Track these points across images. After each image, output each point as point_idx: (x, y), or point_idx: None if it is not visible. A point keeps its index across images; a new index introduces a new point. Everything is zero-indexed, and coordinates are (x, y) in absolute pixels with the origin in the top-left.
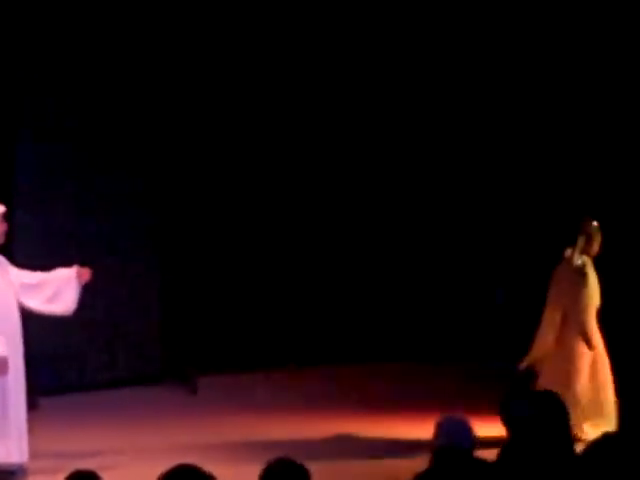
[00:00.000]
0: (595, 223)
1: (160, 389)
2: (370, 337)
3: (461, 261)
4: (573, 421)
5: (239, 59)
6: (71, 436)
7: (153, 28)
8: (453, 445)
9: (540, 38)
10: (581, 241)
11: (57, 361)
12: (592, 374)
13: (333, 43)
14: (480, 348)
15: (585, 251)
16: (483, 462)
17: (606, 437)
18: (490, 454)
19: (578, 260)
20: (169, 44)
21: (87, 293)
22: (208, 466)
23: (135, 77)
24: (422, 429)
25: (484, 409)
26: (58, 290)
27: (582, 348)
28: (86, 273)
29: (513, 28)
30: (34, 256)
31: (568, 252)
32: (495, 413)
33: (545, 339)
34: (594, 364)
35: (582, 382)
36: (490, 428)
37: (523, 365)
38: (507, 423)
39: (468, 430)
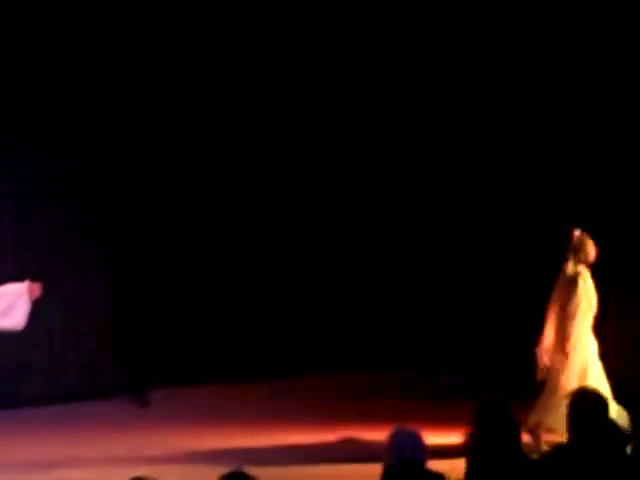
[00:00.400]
0: (578, 232)
1: (111, 402)
2: (318, 349)
3: (410, 271)
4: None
5: (189, 65)
6: (19, 450)
7: (97, 34)
8: (405, 459)
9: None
10: (570, 255)
11: (5, 374)
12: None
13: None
14: (431, 359)
15: (579, 261)
16: (435, 475)
17: (559, 448)
18: (441, 464)
19: (571, 271)
20: (119, 46)
21: (35, 303)
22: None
23: (82, 79)
24: (371, 436)
25: (430, 419)
26: (9, 305)
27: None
28: (37, 288)
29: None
30: None
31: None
32: (445, 423)
33: (547, 349)
34: (584, 370)
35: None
36: (440, 437)
37: (540, 376)
38: (478, 437)
39: (420, 443)
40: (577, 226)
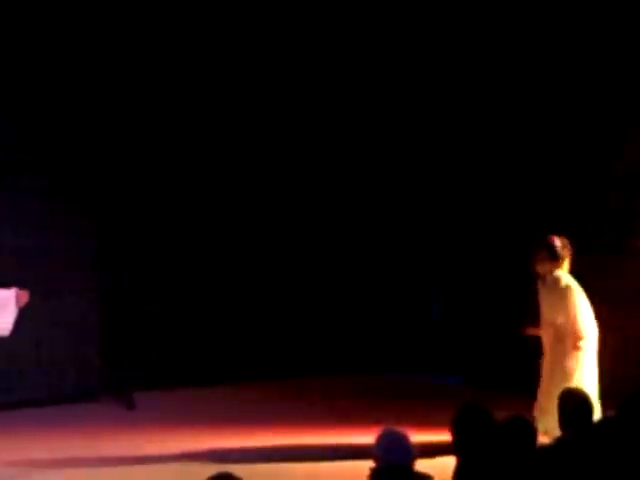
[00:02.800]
0: (562, 239)
1: (97, 404)
2: (305, 352)
3: (397, 276)
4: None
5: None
6: (4, 452)
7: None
8: (392, 462)
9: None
10: (560, 262)
11: None
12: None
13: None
14: (416, 362)
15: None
16: (423, 476)
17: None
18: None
19: (563, 280)
20: (107, 45)
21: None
22: None
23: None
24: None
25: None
26: None
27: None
28: (25, 295)
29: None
30: None
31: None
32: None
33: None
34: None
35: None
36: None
37: None
38: (459, 444)
39: (407, 445)
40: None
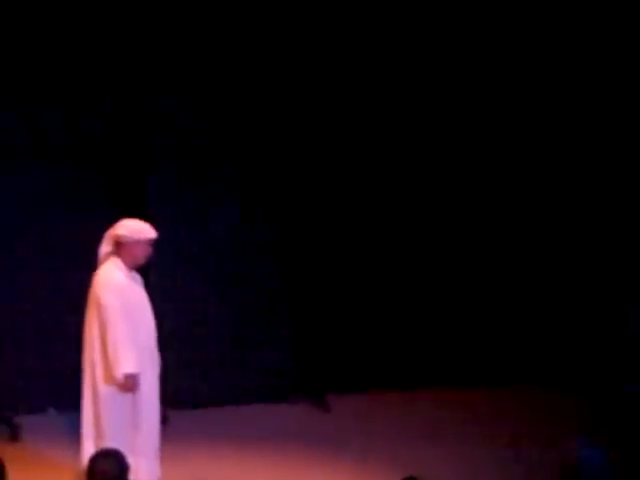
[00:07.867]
0: None
1: (289, 406)
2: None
3: (586, 277)
4: None
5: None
6: (198, 453)
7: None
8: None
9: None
10: None
11: (186, 375)
12: None
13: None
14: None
15: None
16: None
17: None
18: None
19: None
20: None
21: (216, 306)
22: None
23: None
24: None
25: None
26: None
27: None
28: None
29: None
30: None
31: None
32: None
33: None
34: None
35: None
36: None
37: None
38: None
39: (605, 463)
40: None
